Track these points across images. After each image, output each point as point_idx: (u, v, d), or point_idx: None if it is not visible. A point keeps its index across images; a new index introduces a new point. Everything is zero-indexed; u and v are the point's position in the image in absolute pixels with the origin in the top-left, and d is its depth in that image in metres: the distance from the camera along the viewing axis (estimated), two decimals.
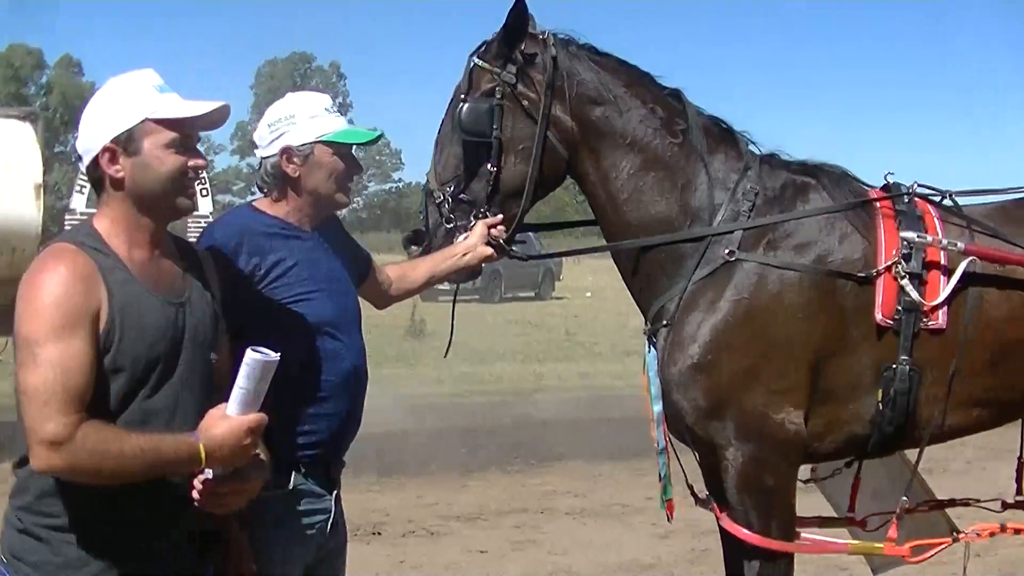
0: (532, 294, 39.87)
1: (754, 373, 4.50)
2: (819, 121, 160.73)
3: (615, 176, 4.68)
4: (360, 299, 4.40)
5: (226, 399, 3.31)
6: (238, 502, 3.45)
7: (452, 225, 4.68)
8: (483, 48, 4.73)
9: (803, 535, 4.71)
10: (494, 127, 4.61)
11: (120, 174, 3.35)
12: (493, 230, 4.64)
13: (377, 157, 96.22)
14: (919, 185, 4.78)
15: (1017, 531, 5.01)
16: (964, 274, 4.53)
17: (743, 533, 4.54)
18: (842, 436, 4.64)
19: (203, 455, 3.23)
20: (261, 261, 3.99)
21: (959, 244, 4.55)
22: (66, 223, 21.11)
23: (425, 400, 16.83)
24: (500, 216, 4.66)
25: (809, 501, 5.00)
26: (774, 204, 4.67)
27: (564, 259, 38.70)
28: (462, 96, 4.67)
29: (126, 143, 3.34)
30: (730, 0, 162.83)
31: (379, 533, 9.55)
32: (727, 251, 4.57)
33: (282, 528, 3.99)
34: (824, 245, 4.60)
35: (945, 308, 4.53)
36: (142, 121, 3.35)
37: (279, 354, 3.32)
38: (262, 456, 3.49)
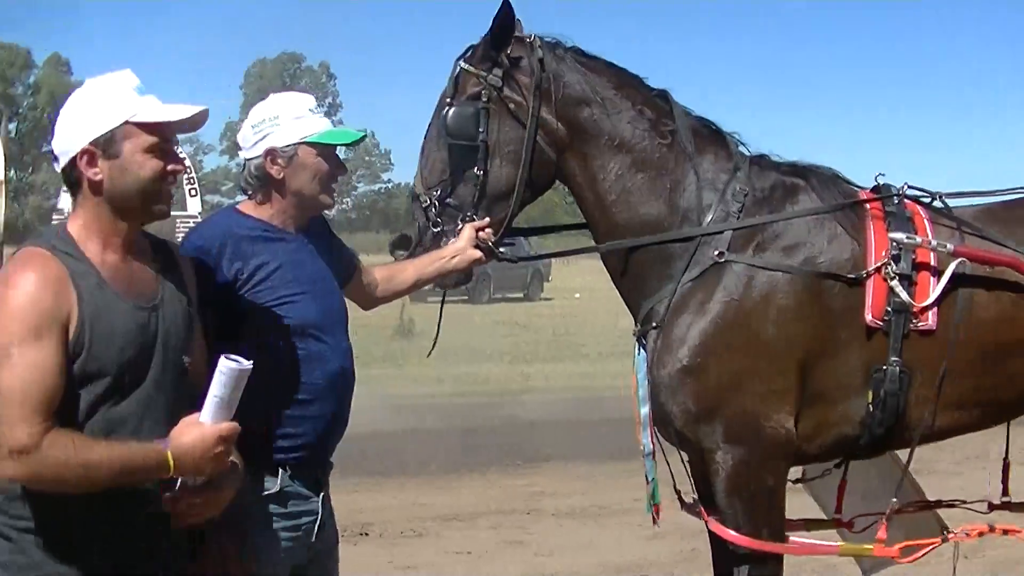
0: (520, 295, 39.92)
1: (744, 375, 4.49)
2: (818, 121, 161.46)
3: (603, 177, 4.67)
4: (346, 300, 4.39)
5: (199, 407, 3.28)
6: (211, 512, 3.42)
7: (439, 229, 4.66)
8: (469, 52, 4.72)
9: (793, 537, 4.71)
10: (480, 130, 4.60)
11: (98, 177, 3.31)
12: (481, 233, 4.63)
13: (366, 158, 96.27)
14: (909, 186, 4.78)
15: (1006, 532, 5.00)
16: (954, 275, 4.52)
17: (732, 536, 4.53)
18: (832, 438, 4.63)
19: (171, 463, 3.20)
20: (244, 265, 3.96)
21: (948, 245, 4.55)
22: (54, 222, 21.05)
23: (413, 401, 16.84)
24: (487, 219, 4.65)
25: (796, 502, 4.99)
26: (764, 205, 4.67)
27: (553, 260, 38.73)
28: (448, 100, 4.66)
29: (105, 146, 3.30)
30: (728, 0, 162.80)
31: (366, 534, 9.54)
32: (716, 252, 4.55)
33: (269, 530, 3.97)
34: (814, 246, 4.59)
35: (935, 309, 4.52)
36: (122, 124, 3.30)
37: (252, 362, 3.29)
38: (236, 463, 3.46)
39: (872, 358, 4.52)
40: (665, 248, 4.65)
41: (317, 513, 4.10)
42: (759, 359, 4.49)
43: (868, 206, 4.69)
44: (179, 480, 3.31)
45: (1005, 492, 5.22)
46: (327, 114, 4.52)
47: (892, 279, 4.49)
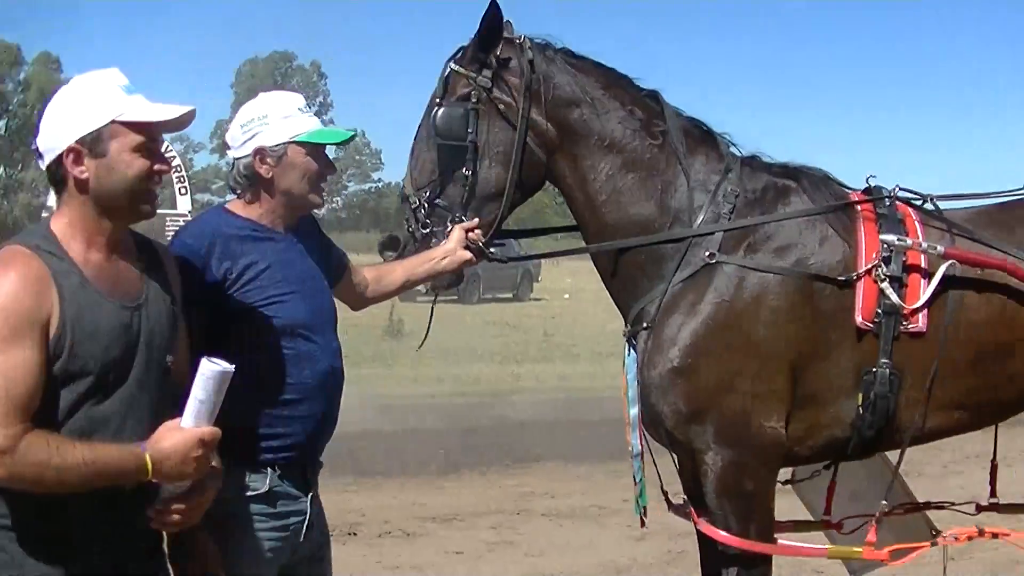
0: (510, 295, 39.89)
1: (735, 377, 4.48)
2: (817, 121, 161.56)
3: (593, 178, 4.67)
4: (336, 301, 4.38)
5: (182, 408, 3.27)
6: (194, 518, 3.42)
7: (428, 231, 4.66)
8: (459, 54, 4.72)
9: (782, 539, 4.72)
10: (469, 131, 4.59)
11: (84, 175, 3.29)
12: (471, 234, 4.62)
13: (357, 157, 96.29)
14: (900, 188, 4.78)
15: (995, 535, 5.00)
16: (944, 277, 4.52)
17: (723, 536, 4.53)
18: (822, 439, 4.63)
19: (150, 466, 3.19)
20: (233, 265, 3.95)
21: (939, 248, 4.55)
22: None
23: (402, 400, 16.83)
24: (476, 220, 4.65)
25: (786, 504, 4.99)
26: (755, 206, 4.66)
27: (543, 261, 38.84)
28: (437, 101, 4.66)
29: (92, 144, 3.28)
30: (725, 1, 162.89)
31: (355, 534, 9.52)
32: (707, 253, 4.55)
33: (256, 530, 3.96)
34: (805, 248, 4.59)
35: (925, 311, 4.52)
36: (110, 123, 3.29)
37: (234, 366, 3.28)
38: (216, 466, 3.45)
39: (862, 360, 4.52)
40: (656, 249, 4.65)
41: (305, 513, 4.09)
42: (750, 360, 4.48)
43: (859, 208, 4.70)
44: (161, 489, 3.31)
45: (993, 494, 5.24)
46: (318, 113, 4.51)
47: (882, 281, 4.49)
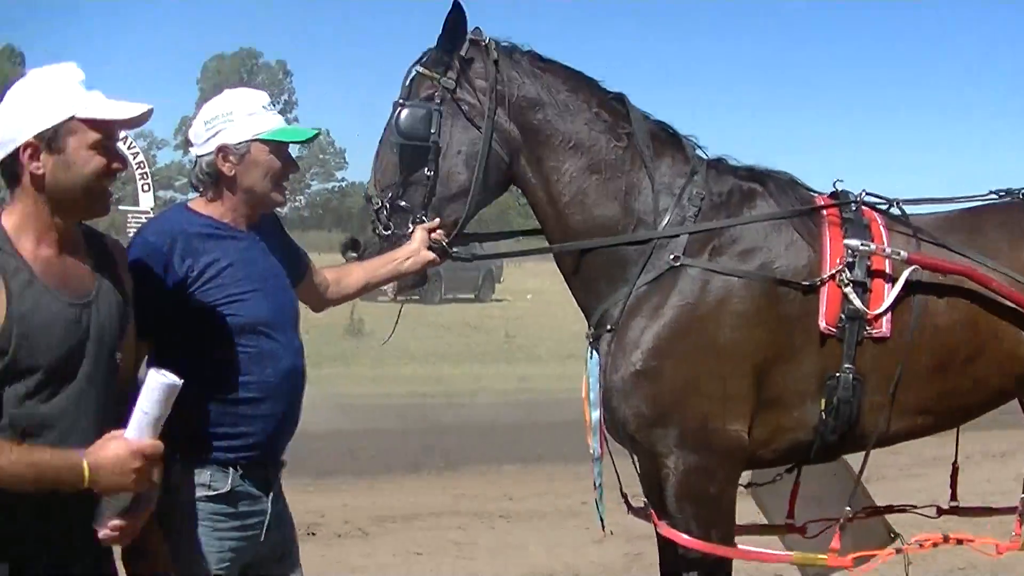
0: (472, 296, 39.84)
1: (698, 381, 4.48)
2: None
3: (556, 179, 4.66)
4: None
5: (128, 417, 3.25)
6: (133, 533, 3.39)
7: (390, 232, 4.65)
8: (424, 57, 4.71)
9: (746, 543, 4.72)
10: (432, 131, 4.58)
11: (40, 171, 3.25)
12: (434, 234, 4.61)
13: (321, 156, 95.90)
14: (867, 193, 4.80)
15: (959, 541, 5.00)
16: (908, 283, 4.54)
17: (684, 540, 4.52)
18: (785, 443, 4.64)
19: (86, 474, 3.15)
20: (195, 263, 3.92)
21: (903, 253, 4.56)
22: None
23: (362, 400, 16.80)
24: (438, 220, 4.64)
25: (750, 508, 5.00)
26: (720, 210, 4.66)
27: (505, 262, 38.80)
28: (401, 102, 4.65)
29: (50, 140, 3.24)
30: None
31: (314, 534, 9.48)
32: (672, 256, 4.55)
33: (217, 529, 3.94)
34: (769, 252, 4.59)
35: (889, 316, 4.54)
36: (69, 119, 3.26)
37: (182, 380, 3.26)
38: (155, 481, 3.38)
39: (826, 365, 4.53)
40: (620, 251, 4.64)
41: (266, 513, 4.07)
42: (714, 364, 4.48)
43: (825, 212, 4.71)
44: (102, 505, 3.28)
45: (954, 497, 5.26)
46: (282, 111, 4.49)
47: (846, 286, 4.51)
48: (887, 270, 4.57)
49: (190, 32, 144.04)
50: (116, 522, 3.31)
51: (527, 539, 9.68)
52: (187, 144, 4.43)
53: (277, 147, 4.08)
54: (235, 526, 3.98)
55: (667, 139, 4.79)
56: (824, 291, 4.52)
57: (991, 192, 5.03)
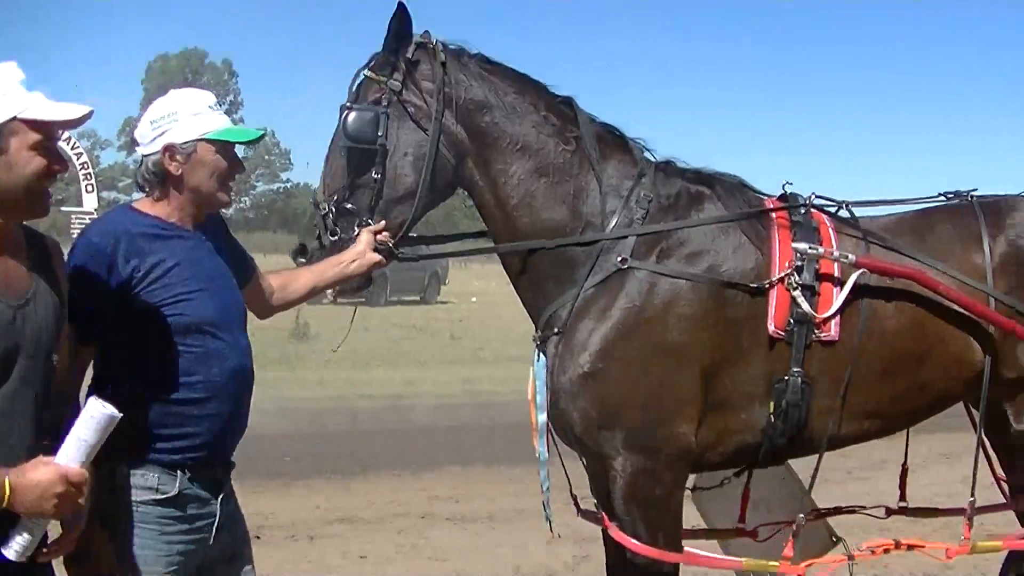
0: (417, 298, 39.74)
1: (645, 383, 4.48)
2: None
3: (504, 181, 4.65)
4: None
5: (61, 436, 3.24)
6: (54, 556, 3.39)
7: (336, 237, 4.63)
8: (371, 61, 4.70)
9: (696, 549, 4.73)
10: (379, 134, 4.57)
11: None
12: (380, 235, 4.59)
13: (266, 156, 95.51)
14: (816, 196, 4.82)
15: (911, 547, 5.04)
16: (858, 286, 4.56)
17: (634, 544, 4.53)
18: (733, 446, 4.65)
19: (7, 492, 3.13)
20: (140, 263, 3.89)
21: (851, 256, 4.59)
22: None
23: (308, 403, 16.71)
24: (383, 223, 4.62)
25: (695, 511, 5.01)
26: (668, 212, 4.67)
27: (450, 263, 38.84)
28: (348, 105, 4.63)
29: None
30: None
31: (259, 536, 9.40)
32: (620, 259, 4.55)
33: (165, 533, 3.91)
34: (718, 255, 4.60)
35: (837, 320, 4.57)
36: (10, 119, 3.23)
37: (122, 414, 3.27)
38: (81, 503, 3.36)
39: (775, 368, 4.55)
40: (568, 253, 4.64)
41: (215, 516, 4.04)
42: (661, 366, 4.48)
43: (774, 215, 4.73)
44: (18, 526, 3.24)
45: (903, 497, 5.30)
46: (228, 112, 4.46)
47: (795, 289, 4.53)
48: (836, 273, 4.59)
49: (134, 31, 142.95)
50: (43, 549, 3.32)
51: (473, 542, 9.66)
52: (133, 144, 4.40)
53: (223, 147, 4.06)
54: (183, 529, 3.95)
55: (614, 142, 4.79)
56: (772, 294, 4.54)
57: (940, 194, 5.07)
